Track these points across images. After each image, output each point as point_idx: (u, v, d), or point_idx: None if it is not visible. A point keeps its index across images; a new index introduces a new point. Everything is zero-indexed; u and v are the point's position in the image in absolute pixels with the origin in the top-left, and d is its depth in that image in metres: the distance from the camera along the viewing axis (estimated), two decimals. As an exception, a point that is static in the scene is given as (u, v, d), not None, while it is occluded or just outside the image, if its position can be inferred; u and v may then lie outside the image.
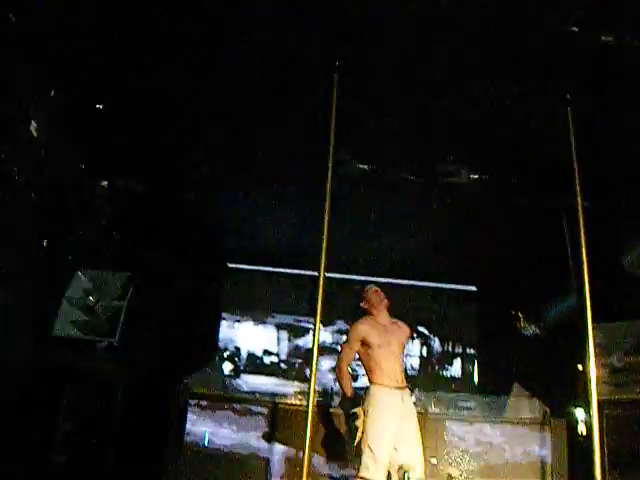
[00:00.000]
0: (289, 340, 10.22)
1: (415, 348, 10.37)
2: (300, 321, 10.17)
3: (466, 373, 10.37)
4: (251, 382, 9.75)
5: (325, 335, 9.95)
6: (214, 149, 6.89)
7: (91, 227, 7.32)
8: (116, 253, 7.69)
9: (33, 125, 5.86)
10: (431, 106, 5.82)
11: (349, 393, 5.81)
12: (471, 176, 6.74)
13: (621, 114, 5.74)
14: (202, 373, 8.19)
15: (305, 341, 10.13)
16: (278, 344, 10.21)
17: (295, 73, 5.60)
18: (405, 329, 6.07)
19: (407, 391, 5.79)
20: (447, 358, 10.38)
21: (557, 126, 5.67)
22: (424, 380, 10.14)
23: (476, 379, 10.23)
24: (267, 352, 10.17)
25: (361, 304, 6.00)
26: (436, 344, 10.39)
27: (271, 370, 10.08)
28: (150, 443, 6.78)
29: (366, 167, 6.77)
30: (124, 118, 6.38)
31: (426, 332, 10.41)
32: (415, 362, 10.36)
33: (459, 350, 10.41)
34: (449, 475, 5.83)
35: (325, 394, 8.36)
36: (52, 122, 6.10)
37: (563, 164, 5.56)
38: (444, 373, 10.32)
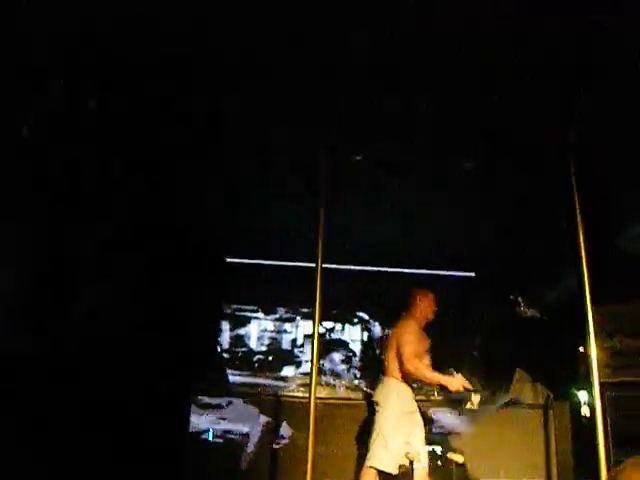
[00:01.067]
0: (291, 333, 10.20)
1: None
2: (302, 314, 10.16)
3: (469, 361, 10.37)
4: (253, 375, 9.76)
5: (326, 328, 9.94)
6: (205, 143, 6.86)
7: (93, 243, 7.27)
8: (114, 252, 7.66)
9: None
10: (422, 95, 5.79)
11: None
12: (467, 164, 6.71)
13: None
14: (204, 369, 8.20)
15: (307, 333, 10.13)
16: (280, 337, 10.20)
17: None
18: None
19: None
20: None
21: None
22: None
23: (478, 365, 10.23)
24: (269, 345, 10.16)
25: (413, 306, 6.06)
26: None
27: (273, 363, 10.07)
28: (153, 441, 6.78)
29: (359, 157, 6.75)
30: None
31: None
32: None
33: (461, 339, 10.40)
34: (455, 462, 5.88)
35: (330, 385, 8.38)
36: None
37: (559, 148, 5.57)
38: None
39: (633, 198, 6.75)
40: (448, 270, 10.17)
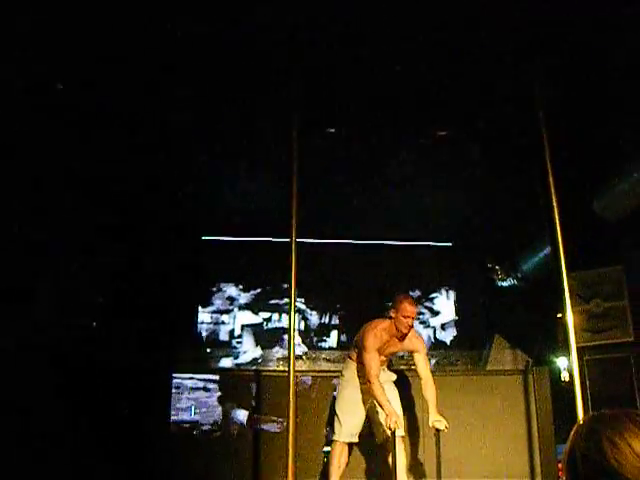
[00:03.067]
0: (269, 309, 10.23)
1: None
2: (278, 289, 10.18)
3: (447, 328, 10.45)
4: (233, 353, 9.79)
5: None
6: (180, 122, 6.80)
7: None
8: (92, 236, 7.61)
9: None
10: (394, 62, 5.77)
11: None
12: (441, 133, 6.71)
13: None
14: (183, 347, 8.20)
15: (283, 308, 10.15)
16: (257, 313, 10.22)
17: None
18: None
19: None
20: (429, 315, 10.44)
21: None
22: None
23: (457, 333, 10.31)
24: (247, 322, 10.18)
25: (392, 309, 6.09)
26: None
27: (252, 340, 10.10)
28: (135, 420, 6.79)
29: (333, 130, 6.73)
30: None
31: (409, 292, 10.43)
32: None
33: (440, 306, 10.47)
34: (435, 429, 5.93)
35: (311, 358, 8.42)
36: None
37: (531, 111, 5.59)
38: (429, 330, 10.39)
39: (606, 163, 6.78)
40: (426, 240, 10.22)
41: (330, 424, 6.66)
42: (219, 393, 7.17)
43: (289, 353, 5.49)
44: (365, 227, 9.53)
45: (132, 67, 5.83)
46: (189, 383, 7.17)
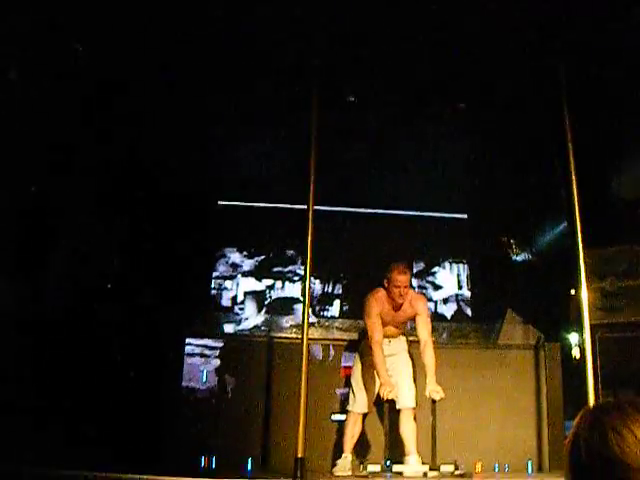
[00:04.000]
0: (284, 275, 10.24)
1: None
2: (292, 256, 10.18)
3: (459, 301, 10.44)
4: (251, 318, 9.82)
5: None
6: (198, 87, 6.78)
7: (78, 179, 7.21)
8: (107, 199, 7.61)
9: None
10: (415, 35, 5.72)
11: None
12: (458, 104, 6.66)
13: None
14: (198, 312, 8.22)
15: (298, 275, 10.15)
16: (273, 279, 10.22)
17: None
18: None
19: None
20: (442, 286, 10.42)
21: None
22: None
23: (470, 307, 10.30)
24: (261, 288, 10.20)
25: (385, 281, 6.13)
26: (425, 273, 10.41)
27: (266, 306, 10.12)
28: (147, 386, 6.85)
29: (352, 98, 6.69)
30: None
31: (422, 264, 10.41)
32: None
33: (452, 279, 10.45)
34: (432, 399, 5.94)
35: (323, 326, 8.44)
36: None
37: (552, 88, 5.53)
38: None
39: (626, 140, 6.71)
40: (440, 212, 10.18)
41: (340, 393, 6.85)
42: (230, 359, 7.20)
43: (303, 320, 5.55)
44: (378, 197, 9.49)
45: (153, 33, 5.82)
46: (200, 349, 7.21)
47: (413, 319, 6.27)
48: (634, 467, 1.37)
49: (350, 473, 5.92)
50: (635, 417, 1.44)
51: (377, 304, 6.05)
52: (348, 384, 6.51)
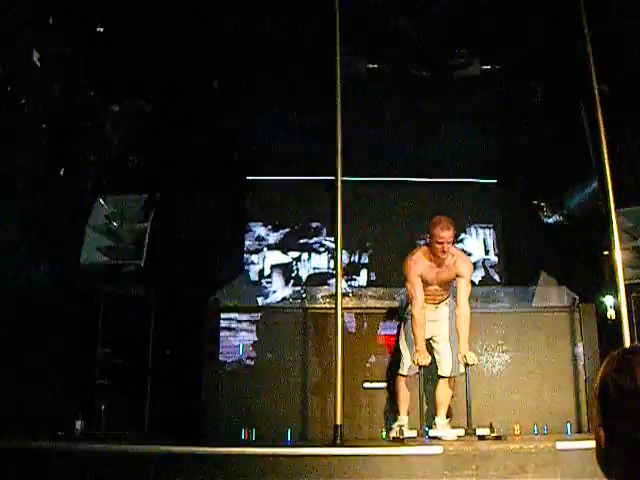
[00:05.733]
0: (313, 248, 10.26)
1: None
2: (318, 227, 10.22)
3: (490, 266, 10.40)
4: (279, 290, 9.88)
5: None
6: (223, 62, 6.79)
7: (107, 152, 7.27)
8: (135, 175, 7.67)
9: (36, 56, 5.77)
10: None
11: None
12: (483, 67, 6.59)
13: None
14: (231, 286, 8.27)
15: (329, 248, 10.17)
16: (303, 252, 10.26)
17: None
18: None
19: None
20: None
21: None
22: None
23: (504, 271, 10.26)
24: (292, 260, 10.24)
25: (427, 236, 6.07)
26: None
27: (298, 277, 10.18)
28: (186, 361, 6.95)
29: (376, 66, 6.65)
30: (127, 38, 6.29)
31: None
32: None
33: (483, 243, 10.42)
34: (466, 363, 5.92)
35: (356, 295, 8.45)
36: (56, 53, 6.02)
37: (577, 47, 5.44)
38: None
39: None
40: (471, 177, 10.13)
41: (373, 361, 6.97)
42: (265, 332, 7.25)
43: (336, 290, 5.54)
44: (405, 165, 9.46)
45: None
46: (236, 323, 7.27)
47: None
48: None
49: (409, 435, 5.66)
50: None
51: (415, 266, 5.97)
52: (397, 347, 6.52)
